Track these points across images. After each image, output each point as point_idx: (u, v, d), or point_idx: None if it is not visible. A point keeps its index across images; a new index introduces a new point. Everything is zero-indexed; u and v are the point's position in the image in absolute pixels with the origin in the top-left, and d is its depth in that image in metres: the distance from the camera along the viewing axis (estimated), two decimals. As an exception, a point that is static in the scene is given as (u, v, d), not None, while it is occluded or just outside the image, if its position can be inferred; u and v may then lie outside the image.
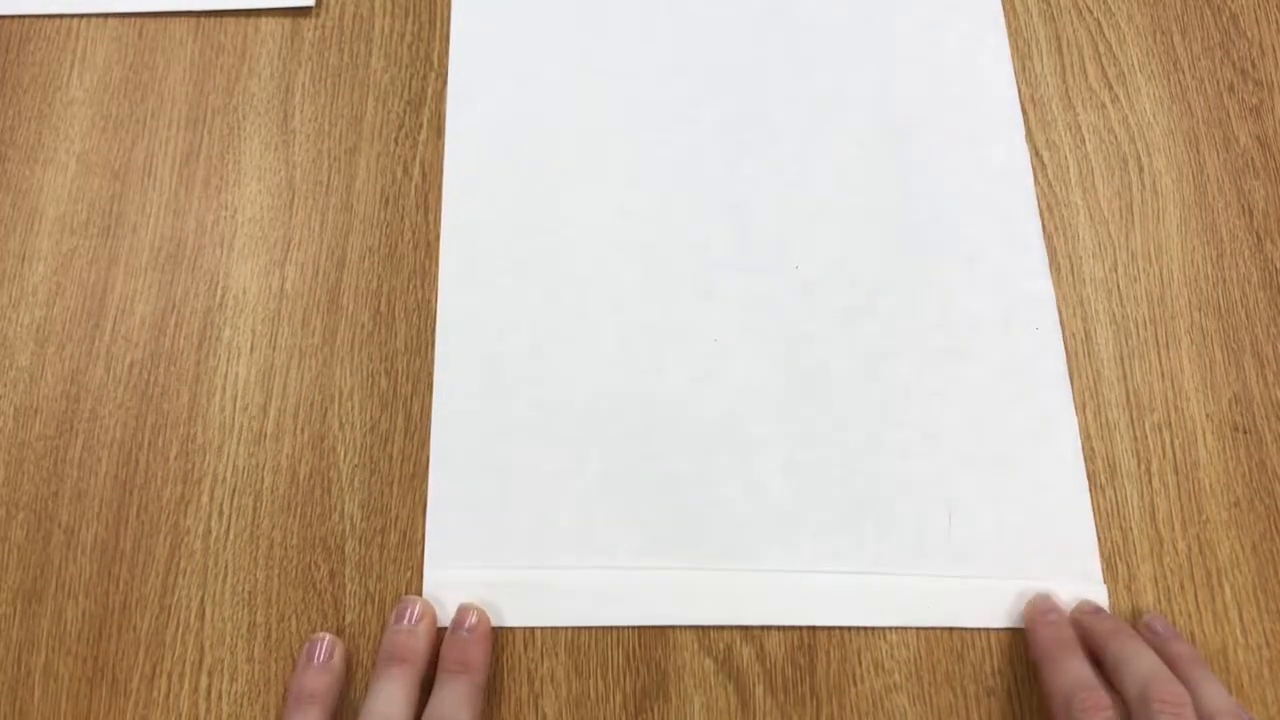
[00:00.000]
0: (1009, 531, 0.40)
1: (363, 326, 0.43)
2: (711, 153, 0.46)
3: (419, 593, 0.39)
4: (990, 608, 0.39)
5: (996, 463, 0.41)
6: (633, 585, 0.39)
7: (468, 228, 0.44)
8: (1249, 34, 0.49)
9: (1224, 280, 0.44)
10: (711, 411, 0.42)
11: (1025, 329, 0.43)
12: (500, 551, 0.39)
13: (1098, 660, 0.36)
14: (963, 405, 0.42)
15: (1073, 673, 0.35)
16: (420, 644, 0.37)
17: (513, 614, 0.39)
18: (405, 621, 0.37)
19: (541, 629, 0.39)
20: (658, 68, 0.48)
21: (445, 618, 0.38)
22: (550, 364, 0.42)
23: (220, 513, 0.40)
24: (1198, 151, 0.47)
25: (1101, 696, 0.34)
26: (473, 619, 0.37)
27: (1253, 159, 0.46)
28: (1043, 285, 0.44)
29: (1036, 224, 0.45)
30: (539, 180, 0.45)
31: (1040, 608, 0.38)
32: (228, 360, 0.42)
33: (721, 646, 0.39)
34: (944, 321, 0.43)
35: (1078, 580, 0.39)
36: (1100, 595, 0.39)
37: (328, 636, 0.38)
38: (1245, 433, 0.42)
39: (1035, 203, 0.45)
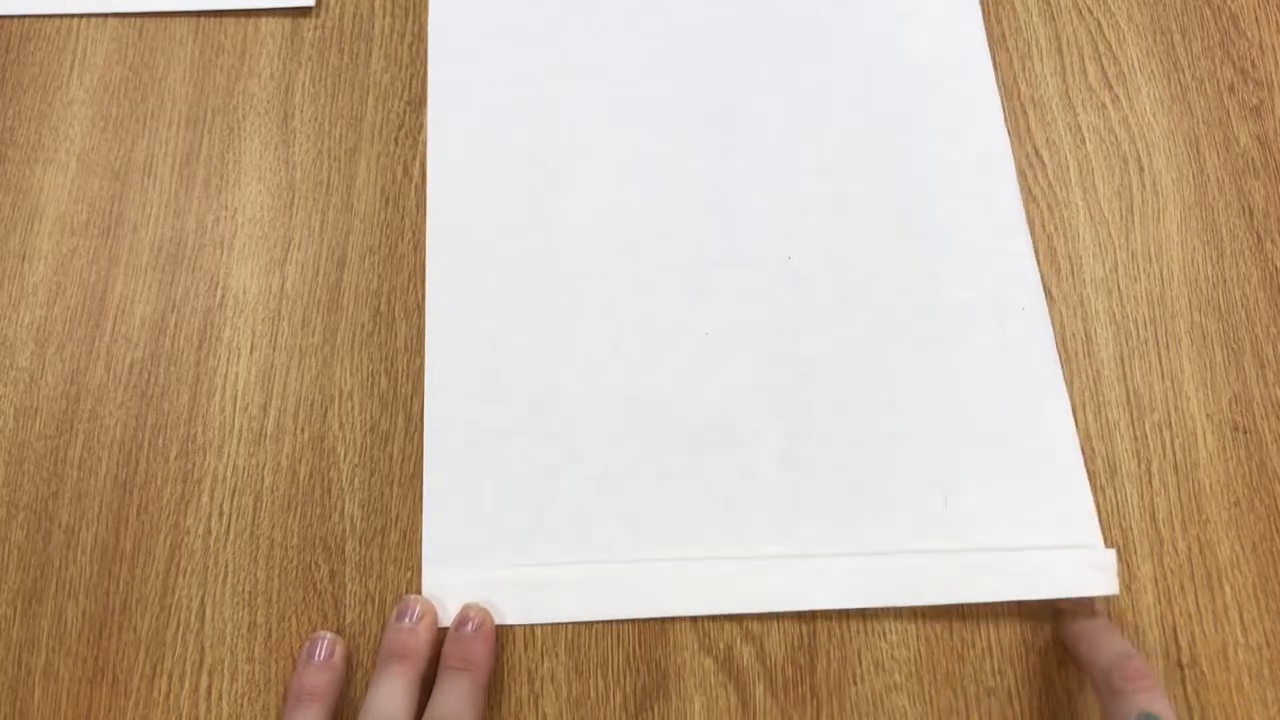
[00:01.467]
0: (1006, 507, 0.40)
1: (363, 326, 0.43)
2: (699, 147, 0.46)
3: (418, 592, 0.39)
4: (992, 581, 0.39)
5: (991, 443, 0.41)
6: (631, 579, 0.39)
7: (456, 228, 0.44)
8: (1249, 34, 0.49)
9: (1224, 280, 0.44)
10: (706, 405, 0.42)
11: (1013, 310, 0.43)
12: (498, 550, 0.39)
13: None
14: (955, 388, 0.42)
15: (1111, 646, 0.35)
16: (421, 642, 0.37)
17: (512, 612, 0.39)
18: (406, 620, 0.37)
19: (541, 628, 0.39)
20: (643, 63, 0.48)
21: (445, 618, 0.38)
22: (543, 362, 0.42)
23: (220, 513, 0.40)
24: (1198, 151, 0.47)
25: (1142, 665, 0.34)
26: (476, 618, 0.37)
27: (1253, 159, 0.46)
28: (1028, 267, 0.44)
29: (1019, 207, 0.45)
30: (527, 178, 0.45)
31: (1069, 606, 0.39)
32: (228, 360, 0.42)
33: (722, 646, 0.39)
34: (934, 307, 0.43)
35: (1080, 548, 0.39)
36: (1107, 559, 0.39)
37: (328, 635, 0.38)
38: (1245, 433, 0.42)
39: (1017, 186, 0.45)
